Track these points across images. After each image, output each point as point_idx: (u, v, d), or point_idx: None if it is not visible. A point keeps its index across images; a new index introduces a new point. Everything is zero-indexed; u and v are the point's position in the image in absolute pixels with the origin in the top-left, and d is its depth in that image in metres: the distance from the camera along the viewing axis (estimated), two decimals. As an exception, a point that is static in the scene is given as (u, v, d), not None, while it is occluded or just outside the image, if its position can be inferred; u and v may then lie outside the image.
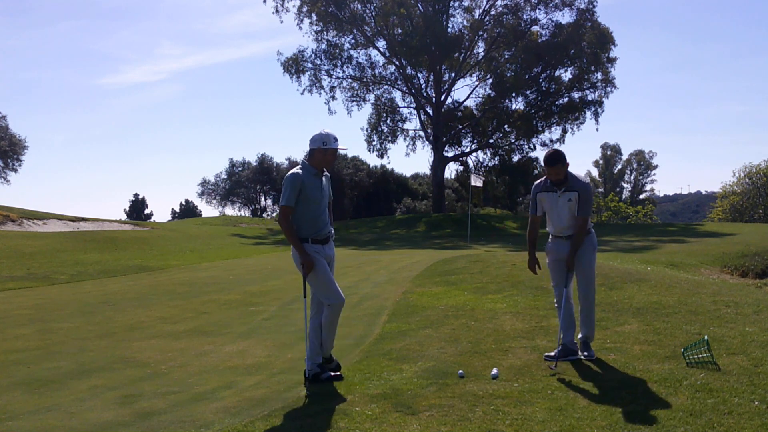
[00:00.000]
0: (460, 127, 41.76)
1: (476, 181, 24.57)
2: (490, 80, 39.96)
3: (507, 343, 5.99)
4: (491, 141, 42.11)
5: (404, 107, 41.49)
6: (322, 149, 4.97)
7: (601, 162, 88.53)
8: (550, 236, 5.66)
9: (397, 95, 41.53)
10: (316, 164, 5.03)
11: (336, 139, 5.00)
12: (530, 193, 5.71)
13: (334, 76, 39.61)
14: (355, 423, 4.02)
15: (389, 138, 41.44)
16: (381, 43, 39.69)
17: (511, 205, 54.56)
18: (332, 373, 5.05)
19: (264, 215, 59.20)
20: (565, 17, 57.02)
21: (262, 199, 62.82)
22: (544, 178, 5.55)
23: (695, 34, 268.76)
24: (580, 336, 5.55)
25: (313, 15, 37.79)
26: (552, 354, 5.44)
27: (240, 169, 61.91)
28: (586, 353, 5.44)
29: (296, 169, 4.99)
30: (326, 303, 5.00)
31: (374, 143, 41.35)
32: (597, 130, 79.06)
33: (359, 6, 38.30)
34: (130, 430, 4.18)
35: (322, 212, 5.07)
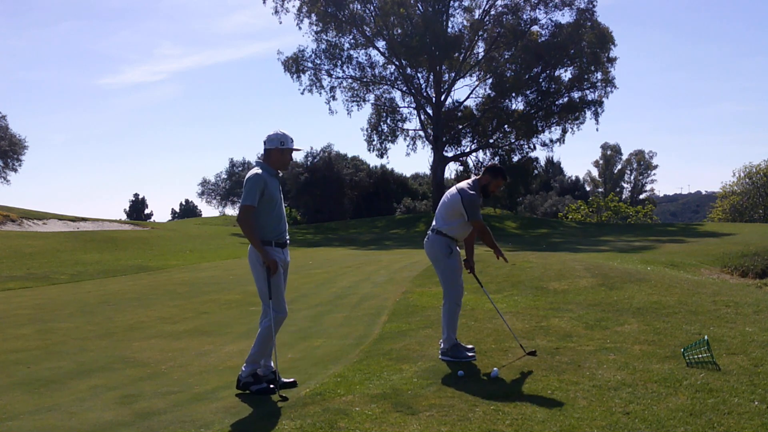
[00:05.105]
0: (460, 127, 41.73)
1: None
2: (490, 80, 39.94)
3: (507, 343, 6.00)
4: (491, 141, 42.08)
5: (404, 107, 41.55)
6: (280, 149, 4.90)
7: (601, 162, 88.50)
8: (456, 240, 5.75)
9: (397, 95, 41.60)
10: (273, 165, 4.95)
11: (292, 140, 4.94)
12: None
13: (334, 76, 39.63)
14: (355, 423, 4.02)
15: (389, 138, 41.46)
16: (381, 43, 39.66)
17: (511, 205, 54.55)
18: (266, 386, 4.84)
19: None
20: (565, 17, 57.27)
21: (262, 199, 62.75)
22: (473, 184, 5.62)
23: (695, 34, 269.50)
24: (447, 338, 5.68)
25: (313, 15, 37.77)
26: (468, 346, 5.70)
27: (240, 169, 61.93)
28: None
29: (257, 170, 4.86)
30: (271, 313, 4.87)
31: (374, 143, 41.39)
32: (597, 130, 79.49)
33: (359, 6, 38.28)
34: (130, 430, 4.18)
35: (283, 215, 5.00)
